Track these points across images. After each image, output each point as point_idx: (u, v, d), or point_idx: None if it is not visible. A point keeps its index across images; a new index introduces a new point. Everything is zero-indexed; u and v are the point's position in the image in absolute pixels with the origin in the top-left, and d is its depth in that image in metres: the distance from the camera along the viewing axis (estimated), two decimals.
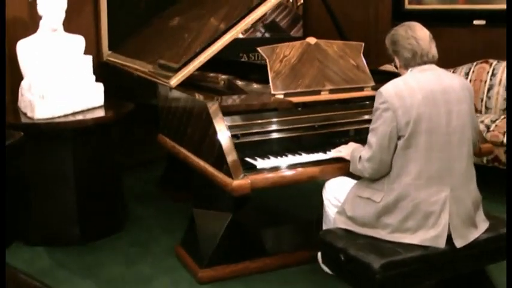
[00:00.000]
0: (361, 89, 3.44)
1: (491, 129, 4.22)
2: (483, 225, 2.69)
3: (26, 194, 3.54)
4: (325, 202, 2.95)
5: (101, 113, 3.73)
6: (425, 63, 2.65)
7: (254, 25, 4.38)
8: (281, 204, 4.22)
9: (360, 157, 2.68)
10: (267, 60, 3.29)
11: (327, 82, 3.35)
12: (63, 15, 3.76)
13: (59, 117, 3.55)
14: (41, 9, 3.71)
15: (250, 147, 3.00)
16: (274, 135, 3.07)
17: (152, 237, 3.78)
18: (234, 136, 2.93)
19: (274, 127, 3.07)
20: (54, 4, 3.69)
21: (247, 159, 2.94)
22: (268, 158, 2.97)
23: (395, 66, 2.84)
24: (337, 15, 3.93)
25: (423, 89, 2.56)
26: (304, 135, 3.12)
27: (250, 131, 3.01)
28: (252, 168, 2.87)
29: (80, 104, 3.72)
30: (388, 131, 2.57)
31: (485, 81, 4.64)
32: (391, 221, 2.58)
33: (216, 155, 2.90)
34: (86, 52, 3.95)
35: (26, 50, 3.70)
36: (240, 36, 5.10)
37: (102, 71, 4.33)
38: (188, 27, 4.00)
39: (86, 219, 3.67)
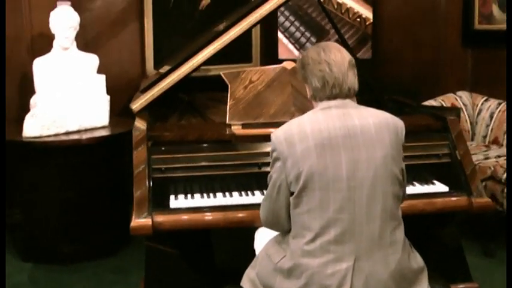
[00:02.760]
0: None
1: None
2: None
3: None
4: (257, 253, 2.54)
5: (95, 134, 3.67)
6: (335, 97, 2.11)
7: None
8: None
9: None
10: (229, 87, 2.95)
11: (298, 113, 2.90)
12: (72, 35, 3.78)
13: (48, 136, 3.55)
14: (52, 28, 3.76)
15: (178, 183, 2.69)
16: (207, 172, 2.72)
17: (136, 265, 3.60)
18: (156, 169, 2.66)
19: (207, 162, 2.72)
20: (62, 24, 3.72)
21: (172, 196, 2.64)
22: (192, 198, 2.64)
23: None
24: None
25: (317, 134, 2.03)
26: (242, 174, 2.72)
27: (179, 165, 2.70)
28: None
29: (81, 123, 3.69)
30: (278, 183, 2.11)
31: None
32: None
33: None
34: (130, 71, 3.91)
35: (38, 67, 3.78)
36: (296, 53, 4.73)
37: None
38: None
39: (72, 240, 3.64)
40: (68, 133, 3.62)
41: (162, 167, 2.67)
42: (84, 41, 4.32)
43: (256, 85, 2.96)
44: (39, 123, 3.53)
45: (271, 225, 2.26)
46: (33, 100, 3.75)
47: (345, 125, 2.05)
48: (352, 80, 2.12)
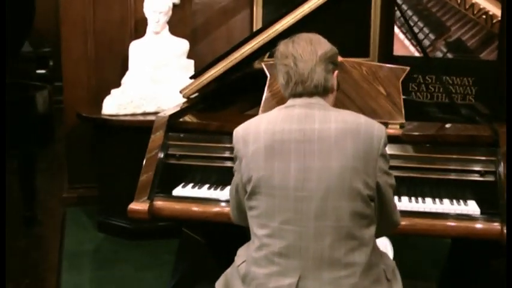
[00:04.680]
0: (385, 125, 2.61)
1: None
2: None
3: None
4: None
5: None
6: (300, 95, 1.89)
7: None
8: None
9: None
10: (268, 78, 2.80)
11: None
12: (162, 20, 3.87)
13: (124, 115, 3.68)
14: (145, 13, 3.90)
15: (190, 171, 2.63)
16: (222, 164, 2.61)
17: None
18: (171, 156, 2.63)
19: (224, 154, 2.61)
20: (152, 8, 3.83)
21: (181, 184, 2.59)
22: (200, 188, 2.56)
23: None
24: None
25: (269, 135, 1.84)
26: None
27: (195, 153, 2.64)
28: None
29: (160, 105, 3.77)
30: (235, 182, 1.98)
31: None
32: None
33: None
34: None
35: (132, 49, 3.95)
36: (416, 54, 4.37)
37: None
38: None
39: None
40: (145, 114, 3.73)
41: (177, 154, 2.63)
42: (193, 27, 4.42)
43: None
44: (117, 102, 3.68)
45: (239, 223, 2.10)
46: (122, 80, 3.92)
47: (301, 128, 1.83)
48: (320, 76, 1.87)
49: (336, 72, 1.95)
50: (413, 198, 2.43)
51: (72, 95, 4.19)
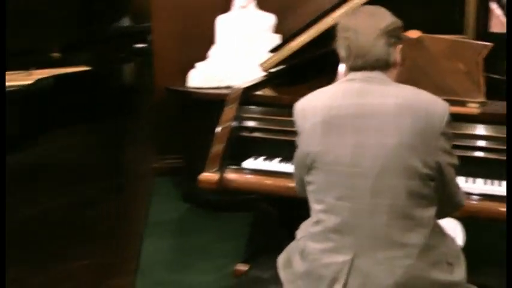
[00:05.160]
0: (463, 103, 2.53)
1: None
2: None
3: None
4: None
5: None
6: (361, 68, 1.84)
7: None
8: None
9: None
10: None
11: None
12: None
13: (208, 88, 3.76)
14: None
15: (263, 144, 2.66)
16: (292, 138, 2.61)
17: None
18: (244, 128, 2.67)
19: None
20: None
21: (253, 156, 2.63)
22: (270, 161, 2.59)
23: None
24: None
25: (326, 110, 1.82)
26: None
27: (268, 126, 2.67)
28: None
29: (245, 79, 3.80)
30: (297, 155, 1.98)
31: None
32: (294, 269, 1.97)
33: None
34: None
35: (219, 23, 4.02)
36: None
37: None
38: None
39: None
40: (229, 87, 3.77)
41: (249, 127, 2.66)
42: (282, 2, 4.41)
43: None
44: (201, 75, 3.77)
45: (303, 196, 2.10)
46: (208, 54, 4.00)
47: (360, 103, 1.80)
48: (381, 50, 1.82)
49: (400, 46, 1.89)
50: (488, 181, 2.33)
51: (161, 68, 4.32)
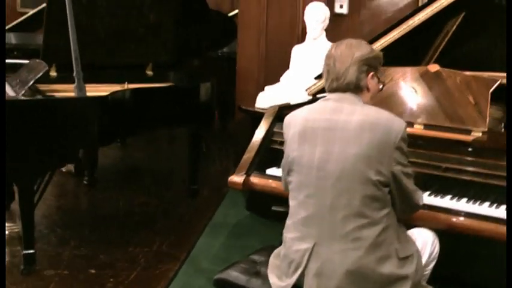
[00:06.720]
0: (468, 132, 2.76)
1: None
2: None
3: None
4: None
5: None
6: (336, 90, 2.22)
7: None
8: None
9: None
10: None
11: (423, 115, 2.87)
12: (319, 27, 4.30)
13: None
14: (305, 20, 4.37)
15: None
16: None
17: None
18: (274, 141, 3.05)
19: None
20: (311, 17, 4.30)
21: (278, 165, 3.00)
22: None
23: None
24: None
25: (304, 122, 2.22)
26: None
27: None
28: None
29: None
30: (283, 159, 2.36)
31: None
32: (280, 254, 2.37)
33: None
34: None
35: (293, 52, 4.47)
36: None
37: None
38: None
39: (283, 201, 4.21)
40: None
41: (278, 140, 3.04)
42: (359, 36, 4.75)
43: (396, 83, 3.00)
44: (266, 97, 4.20)
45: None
46: (281, 78, 4.44)
47: (330, 118, 2.17)
48: (352, 75, 2.18)
49: (372, 73, 2.22)
50: (494, 204, 2.50)
51: (242, 89, 4.81)
